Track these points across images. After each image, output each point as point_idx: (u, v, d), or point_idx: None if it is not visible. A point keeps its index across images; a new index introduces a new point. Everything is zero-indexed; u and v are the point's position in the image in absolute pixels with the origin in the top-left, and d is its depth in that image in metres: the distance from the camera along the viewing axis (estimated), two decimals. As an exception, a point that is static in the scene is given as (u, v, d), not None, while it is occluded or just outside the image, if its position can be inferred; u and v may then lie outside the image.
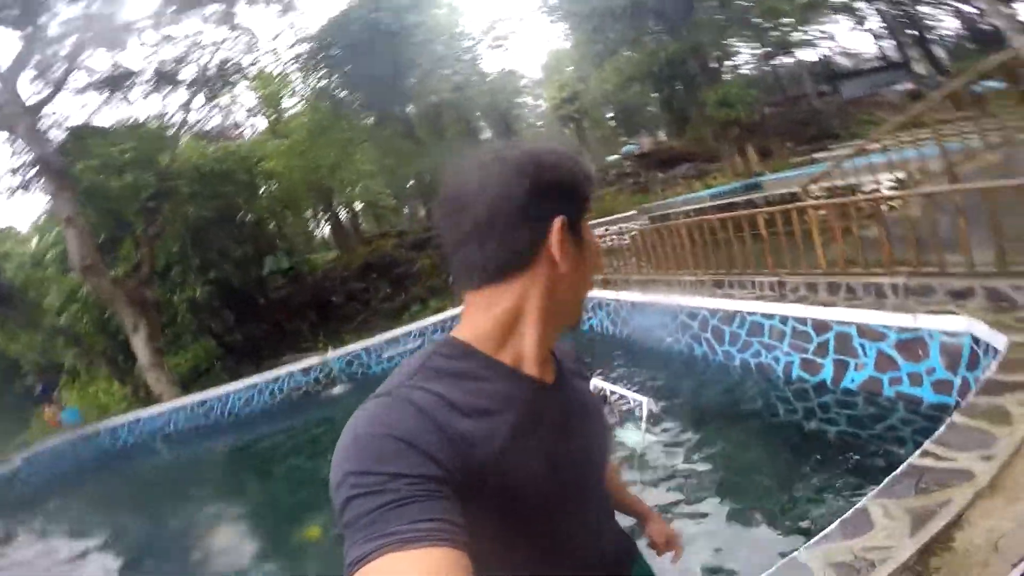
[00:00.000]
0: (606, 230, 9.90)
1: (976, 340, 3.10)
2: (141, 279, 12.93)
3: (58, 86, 13.66)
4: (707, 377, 5.35)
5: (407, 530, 0.43)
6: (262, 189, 20.73)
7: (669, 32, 18.46)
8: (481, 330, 0.61)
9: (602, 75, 23.00)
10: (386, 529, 0.43)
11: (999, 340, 2.77)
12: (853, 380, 4.00)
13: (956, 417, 2.20)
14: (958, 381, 3.29)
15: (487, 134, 30.16)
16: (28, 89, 13.16)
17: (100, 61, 15.44)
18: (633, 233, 8.43)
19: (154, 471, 9.44)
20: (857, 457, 3.25)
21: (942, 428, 2.16)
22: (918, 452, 2.05)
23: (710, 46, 18.29)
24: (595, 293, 7.68)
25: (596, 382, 5.04)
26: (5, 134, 13.16)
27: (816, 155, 13.53)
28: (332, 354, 10.97)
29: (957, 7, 28.76)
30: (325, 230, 31.86)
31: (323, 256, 25.92)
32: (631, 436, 4.39)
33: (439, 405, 0.53)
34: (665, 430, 4.50)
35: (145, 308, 12.22)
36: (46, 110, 13.52)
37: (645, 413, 4.39)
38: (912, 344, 3.58)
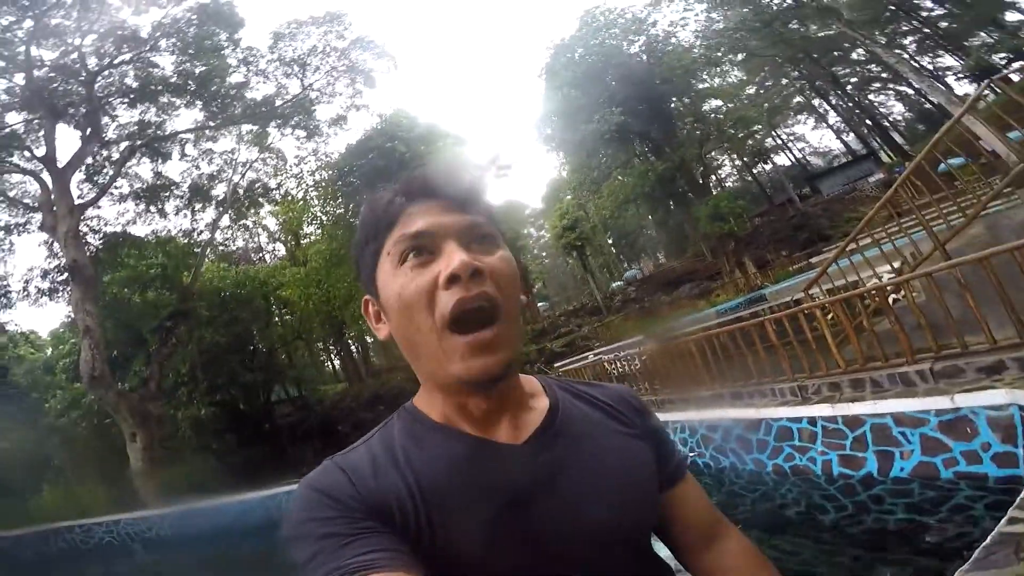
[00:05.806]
0: (616, 355, 9.77)
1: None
2: (147, 395, 12.80)
3: (103, 190, 14.49)
4: (739, 487, 5.04)
5: (349, 564, 0.45)
6: (277, 318, 21.21)
7: (655, 152, 20.24)
8: (420, 393, 0.63)
9: (599, 201, 24.78)
10: (329, 566, 0.45)
11: (1052, 404, 2.69)
12: (903, 468, 3.79)
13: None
14: (1021, 452, 3.14)
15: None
16: (75, 191, 13.89)
17: (144, 170, 17.11)
18: (643, 356, 8.36)
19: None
20: (929, 540, 2.98)
21: (1025, 494, 2.06)
22: (1005, 520, 1.93)
23: (693, 161, 19.76)
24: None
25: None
26: (45, 236, 13.65)
27: (813, 259, 13.99)
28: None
29: (899, 90, 31.75)
30: (335, 362, 31.96)
31: (332, 387, 25.69)
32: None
33: (363, 463, 0.55)
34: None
35: (146, 420, 11.97)
36: (89, 212, 14.20)
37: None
38: (957, 424, 3.46)
